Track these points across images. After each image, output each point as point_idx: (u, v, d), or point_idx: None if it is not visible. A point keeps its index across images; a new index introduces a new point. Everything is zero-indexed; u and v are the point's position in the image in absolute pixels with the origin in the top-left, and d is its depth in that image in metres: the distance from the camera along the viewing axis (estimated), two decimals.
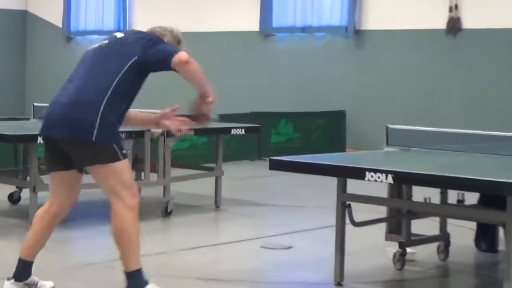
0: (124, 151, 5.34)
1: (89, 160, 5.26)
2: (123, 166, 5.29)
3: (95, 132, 5.09)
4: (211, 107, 5.44)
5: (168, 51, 5.27)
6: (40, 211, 5.49)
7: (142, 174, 8.81)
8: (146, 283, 5.19)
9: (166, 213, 8.67)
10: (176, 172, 9.03)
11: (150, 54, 5.27)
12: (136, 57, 5.24)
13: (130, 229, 5.18)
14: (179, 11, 17.78)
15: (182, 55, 5.17)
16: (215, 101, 5.37)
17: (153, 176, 8.66)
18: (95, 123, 5.10)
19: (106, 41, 5.54)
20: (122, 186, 5.23)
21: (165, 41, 5.46)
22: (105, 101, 5.15)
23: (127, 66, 5.23)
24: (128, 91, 5.34)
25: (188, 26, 17.67)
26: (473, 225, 7.41)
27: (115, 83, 5.20)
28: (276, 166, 6.15)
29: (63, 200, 5.41)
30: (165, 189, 8.80)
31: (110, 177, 5.24)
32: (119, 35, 5.67)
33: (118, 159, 5.21)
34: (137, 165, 8.80)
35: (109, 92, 5.17)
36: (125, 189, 5.23)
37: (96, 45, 5.53)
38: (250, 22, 16.39)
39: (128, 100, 5.40)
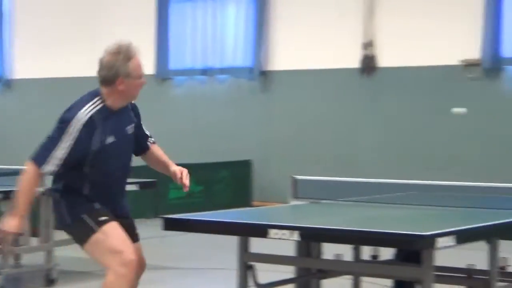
0: (101, 218, 5.46)
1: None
2: (102, 234, 5.41)
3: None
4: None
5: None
6: None
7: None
8: None
9: (49, 281, 8.54)
10: (61, 235, 8.89)
11: None
12: None
13: None
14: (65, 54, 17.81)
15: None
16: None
17: (34, 241, 8.57)
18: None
19: None
20: (107, 255, 5.39)
21: None
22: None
23: None
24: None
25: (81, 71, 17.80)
26: (389, 282, 7.53)
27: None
28: (171, 225, 6.12)
29: None
30: (48, 254, 8.66)
31: (93, 252, 5.52)
32: None
33: (93, 231, 5.39)
34: None
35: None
36: (111, 257, 5.37)
37: None
38: (145, 64, 16.21)
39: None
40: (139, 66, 5.62)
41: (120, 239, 5.56)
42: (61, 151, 5.39)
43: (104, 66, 5.53)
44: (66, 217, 5.62)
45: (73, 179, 5.63)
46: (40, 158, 5.43)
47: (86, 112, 5.47)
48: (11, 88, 19.24)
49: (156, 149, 6.08)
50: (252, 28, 16.42)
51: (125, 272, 5.36)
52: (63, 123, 5.46)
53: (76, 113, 5.46)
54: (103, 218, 5.51)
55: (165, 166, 6.03)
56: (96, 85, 5.63)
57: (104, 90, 5.56)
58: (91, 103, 5.53)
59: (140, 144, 5.93)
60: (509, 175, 8.36)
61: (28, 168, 5.44)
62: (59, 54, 18.29)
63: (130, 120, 5.75)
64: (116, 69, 5.47)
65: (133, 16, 17.52)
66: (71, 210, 5.59)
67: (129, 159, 5.89)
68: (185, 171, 5.89)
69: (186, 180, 5.84)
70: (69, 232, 5.69)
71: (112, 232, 5.52)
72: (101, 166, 5.62)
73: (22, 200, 5.48)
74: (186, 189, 5.88)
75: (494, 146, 13.97)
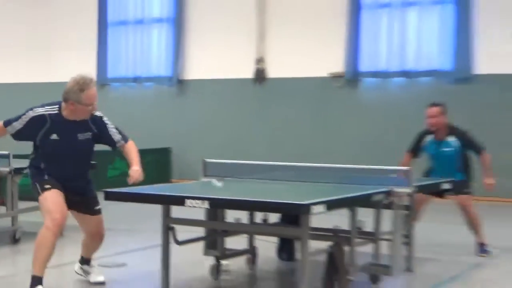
0: (46, 186, 5.95)
1: None
2: (43, 198, 5.93)
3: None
4: None
5: None
6: None
7: None
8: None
9: (15, 240, 8.41)
10: (24, 205, 8.74)
11: None
12: None
13: (39, 242, 5.85)
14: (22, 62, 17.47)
15: None
16: None
17: (3, 209, 8.54)
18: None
19: None
20: (44, 213, 5.91)
21: None
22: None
23: None
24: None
25: (38, 77, 17.43)
26: (275, 239, 7.60)
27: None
28: (111, 196, 6.13)
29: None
30: (13, 219, 8.57)
31: (40, 208, 6.04)
32: None
33: (39, 194, 5.95)
34: None
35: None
36: (45, 215, 5.89)
37: None
38: (88, 71, 16.06)
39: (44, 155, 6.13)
40: (90, 97, 5.97)
41: (54, 203, 5.93)
42: (15, 126, 6.05)
43: (65, 88, 5.95)
44: (31, 182, 6.08)
45: (36, 157, 6.16)
46: (6, 121, 6.08)
47: (40, 111, 6.01)
48: None
49: (128, 149, 6.56)
50: (171, 46, 16.32)
51: (50, 226, 5.81)
52: (25, 111, 6.04)
53: (33, 109, 6.04)
54: (47, 186, 5.97)
55: (130, 163, 6.45)
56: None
57: (63, 104, 5.99)
58: (49, 107, 6.04)
59: (109, 144, 6.48)
60: (364, 161, 8.50)
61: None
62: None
63: (85, 129, 6.14)
64: (70, 94, 5.90)
65: (77, 37, 17.25)
66: (32, 178, 6.13)
67: (81, 156, 6.24)
68: (137, 174, 6.27)
69: (132, 179, 6.24)
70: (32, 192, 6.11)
71: (49, 197, 5.93)
72: (49, 152, 6.09)
73: None
74: (130, 182, 6.26)
75: (355, 140, 14.19)
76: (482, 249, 8.05)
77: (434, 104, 8.31)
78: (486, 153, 8.18)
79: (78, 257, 6.52)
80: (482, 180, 8.28)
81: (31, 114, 5.98)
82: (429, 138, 8.34)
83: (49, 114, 5.97)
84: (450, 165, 8.17)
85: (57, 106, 6.02)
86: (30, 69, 17.86)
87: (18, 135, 6.10)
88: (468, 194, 8.12)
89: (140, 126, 16.25)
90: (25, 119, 5.98)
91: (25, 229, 8.69)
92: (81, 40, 17.10)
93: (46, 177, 6.06)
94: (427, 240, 8.17)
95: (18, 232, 8.46)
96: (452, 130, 8.22)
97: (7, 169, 8.20)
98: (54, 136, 5.97)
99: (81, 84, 5.89)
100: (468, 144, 8.18)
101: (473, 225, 8.14)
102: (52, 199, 5.95)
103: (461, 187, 7.93)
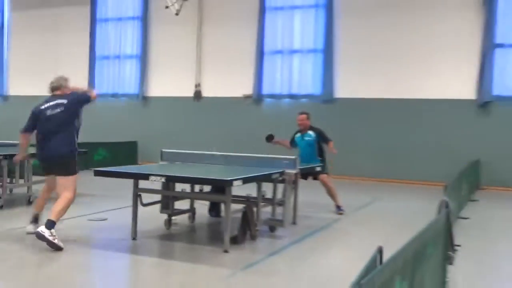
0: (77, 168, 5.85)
1: None
2: (76, 177, 5.85)
3: None
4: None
5: None
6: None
7: (14, 180, 8.31)
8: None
9: (29, 202, 8.04)
10: (35, 178, 8.35)
11: None
12: None
13: (65, 205, 5.64)
14: None
15: None
16: None
17: (21, 181, 8.19)
18: None
19: None
20: (73, 187, 5.81)
21: None
22: None
23: None
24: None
25: None
26: (207, 202, 7.53)
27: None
28: (98, 173, 5.92)
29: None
30: (28, 188, 8.23)
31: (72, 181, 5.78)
32: None
33: (76, 172, 5.88)
34: (11, 174, 8.23)
35: None
36: (74, 189, 5.77)
37: None
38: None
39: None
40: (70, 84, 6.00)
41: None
42: (28, 124, 5.83)
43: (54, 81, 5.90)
44: (73, 160, 5.81)
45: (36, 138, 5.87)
46: (23, 128, 5.87)
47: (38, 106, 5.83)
48: None
49: None
50: (139, 73, 15.97)
51: (73, 198, 5.72)
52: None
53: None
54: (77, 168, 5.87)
55: None
56: None
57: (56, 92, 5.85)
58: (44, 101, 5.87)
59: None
60: (266, 152, 8.54)
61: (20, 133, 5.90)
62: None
63: (59, 105, 5.76)
64: (61, 83, 5.90)
65: (74, 67, 16.70)
66: (75, 157, 5.86)
67: (57, 123, 5.71)
68: None
69: None
70: None
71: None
72: (39, 127, 5.78)
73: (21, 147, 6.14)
74: None
75: (260, 139, 14.21)
76: (339, 209, 8.19)
77: (302, 112, 8.58)
78: (331, 142, 8.34)
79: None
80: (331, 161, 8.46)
81: (33, 111, 5.89)
82: (298, 134, 8.48)
83: (42, 103, 5.90)
84: (311, 151, 8.30)
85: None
86: None
87: (32, 127, 5.88)
88: (326, 174, 8.24)
89: (116, 126, 15.91)
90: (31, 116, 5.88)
91: (36, 195, 8.30)
92: (76, 69, 16.59)
93: (39, 151, 5.82)
94: (306, 204, 8.26)
95: (32, 197, 8.11)
96: (312, 128, 8.41)
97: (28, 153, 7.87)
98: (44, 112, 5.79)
99: (65, 77, 5.96)
100: (321, 136, 8.36)
101: (331, 194, 8.28)
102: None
103: (321, 170, 8.05)
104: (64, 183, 5.69)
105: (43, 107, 5.77)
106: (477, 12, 12.39)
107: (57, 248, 5.30)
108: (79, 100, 5.83)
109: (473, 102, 12.41)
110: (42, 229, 5.32)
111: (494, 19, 12.20)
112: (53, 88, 5.90)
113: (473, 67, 12.40)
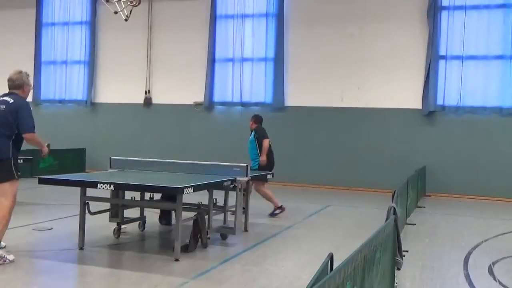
0: (19, 173, 5.33)
1: None
2: (17, 182, 5.33)
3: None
4: None
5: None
6: None
7: None
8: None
9: None
10: None
11: None
12: None
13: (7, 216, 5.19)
14: None
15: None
16: None
17: None
18: None
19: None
20: (14, 194, 5.29)
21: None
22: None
23: None
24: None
25: None
26: (158, 210, 7.43)
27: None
28: (43, 181, 5.74)
29: None
30: None
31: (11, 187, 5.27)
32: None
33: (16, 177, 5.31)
34: None
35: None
36: (13, 196, 5.28)
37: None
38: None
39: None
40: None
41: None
42: None
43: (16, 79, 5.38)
44: (11, 163, 5.34)
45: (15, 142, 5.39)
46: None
47: None
48: None
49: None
50: (87, 80, 15.65)
51: (13, 206, 5.30)
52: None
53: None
54: (19, 173, 5.42)
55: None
56: None
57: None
58: None
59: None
60: (217, 159, 8.52)
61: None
62: None
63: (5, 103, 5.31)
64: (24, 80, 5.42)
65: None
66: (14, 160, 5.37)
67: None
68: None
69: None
70: None
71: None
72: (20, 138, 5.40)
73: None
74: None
75: (210, 145, 14.19)
76: (274, 212, 8.46)
77: (252, 116, 8.94)
78: (266, 141, 8.52)
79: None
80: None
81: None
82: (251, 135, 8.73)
83: None
84: (252, 148, 8.67)
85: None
86: None
87: None
88: (261, 181, 8.43)
89: (63, 133, 15.52)
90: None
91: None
92: None
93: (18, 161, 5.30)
94: (257, 210, 8.28)
95: None
96: (255, 129, 8.73)
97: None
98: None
99: (25, 73, 5.48)
100: (258, 135, 8.62)
101: (267, 198, 8.51)
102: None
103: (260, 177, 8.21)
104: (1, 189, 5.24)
105: None
106: (423, 24, 12.82)
107: (6, 260, 5.09)
108: (22, 116, 5.22)
109: (419, 112, 12.81)
110: None
111: (438, 32, 12.67)
112: (14, 87, 5.36)
113: (419, 77, 12.82)
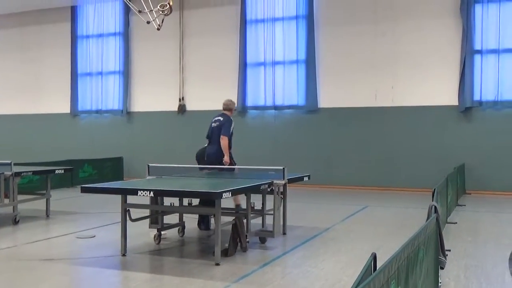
0: None
1: None
2: None
3: None
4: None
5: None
6: None
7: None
8: None
9: (15, 222, 7.95)
10: (21, 197, 8.26)
11: None
12: None
13: None
14: None
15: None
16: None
17: (6, 201, 8.03)
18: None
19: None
20: None
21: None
22: None
23: None
24: None
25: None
26: (197, 216, 7.50)
27: None
28: (85, 190, 5.85)
29: None
30: (14, 207, 8.08)
31: None
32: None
33: None
34: None
35: None
36: None
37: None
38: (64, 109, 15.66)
39: None
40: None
41: None
42: None
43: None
44: None
45: None
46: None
47: None
48: None
49: None
50: (122, 90, 15.93)
51: None
52: None
53: None
54: None
55: None
56: None
57: None
58: None
59: None
60: (253, 164, 8.55)
61: None
62: None
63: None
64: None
65: (59, 83, 16.64)
66: None
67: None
68: None
69: None
70: None
71: None
72: None
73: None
74: None
75: (247, 150, 14.25)
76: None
77: None
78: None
79: None
80: None
81: None
82: None
83: None
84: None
85: None
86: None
87: None
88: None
89: (101, 142, 15.83)
90: None
91: (22, 214, 8.24)
92: (58, 87, 16.54)
93: None
94: (294, 213, 8.26)
95: (18, 217, 8.03)
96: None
97: (10, 173, 7.83)
98: None
99: None
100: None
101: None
102: None
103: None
104: None
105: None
106: (456, 19, 12.60)
107: None
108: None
109: (455, 108, 12.58)
110: None
111: (473, 26, 12.42)
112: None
113: (454, 74, 12.58)
